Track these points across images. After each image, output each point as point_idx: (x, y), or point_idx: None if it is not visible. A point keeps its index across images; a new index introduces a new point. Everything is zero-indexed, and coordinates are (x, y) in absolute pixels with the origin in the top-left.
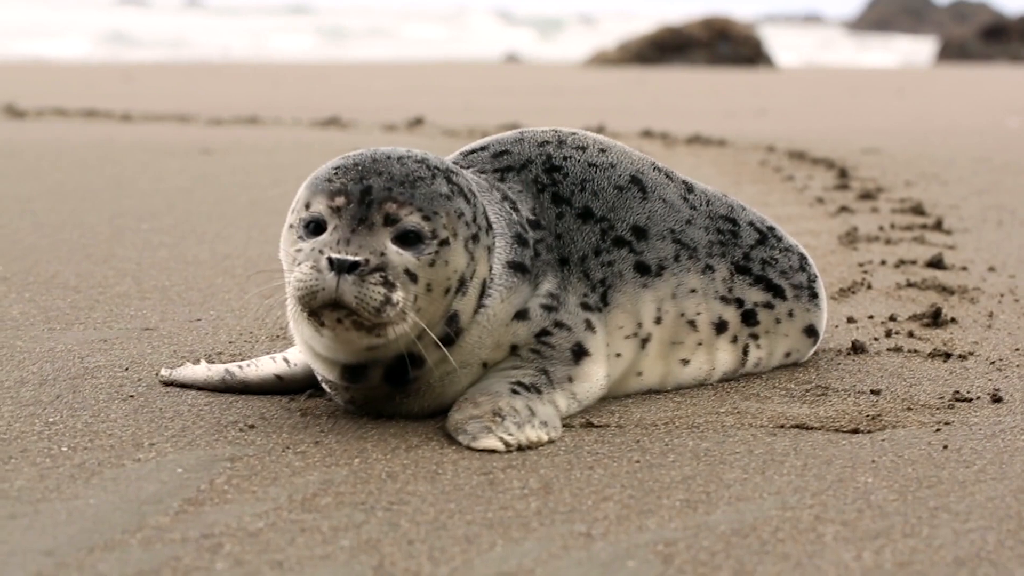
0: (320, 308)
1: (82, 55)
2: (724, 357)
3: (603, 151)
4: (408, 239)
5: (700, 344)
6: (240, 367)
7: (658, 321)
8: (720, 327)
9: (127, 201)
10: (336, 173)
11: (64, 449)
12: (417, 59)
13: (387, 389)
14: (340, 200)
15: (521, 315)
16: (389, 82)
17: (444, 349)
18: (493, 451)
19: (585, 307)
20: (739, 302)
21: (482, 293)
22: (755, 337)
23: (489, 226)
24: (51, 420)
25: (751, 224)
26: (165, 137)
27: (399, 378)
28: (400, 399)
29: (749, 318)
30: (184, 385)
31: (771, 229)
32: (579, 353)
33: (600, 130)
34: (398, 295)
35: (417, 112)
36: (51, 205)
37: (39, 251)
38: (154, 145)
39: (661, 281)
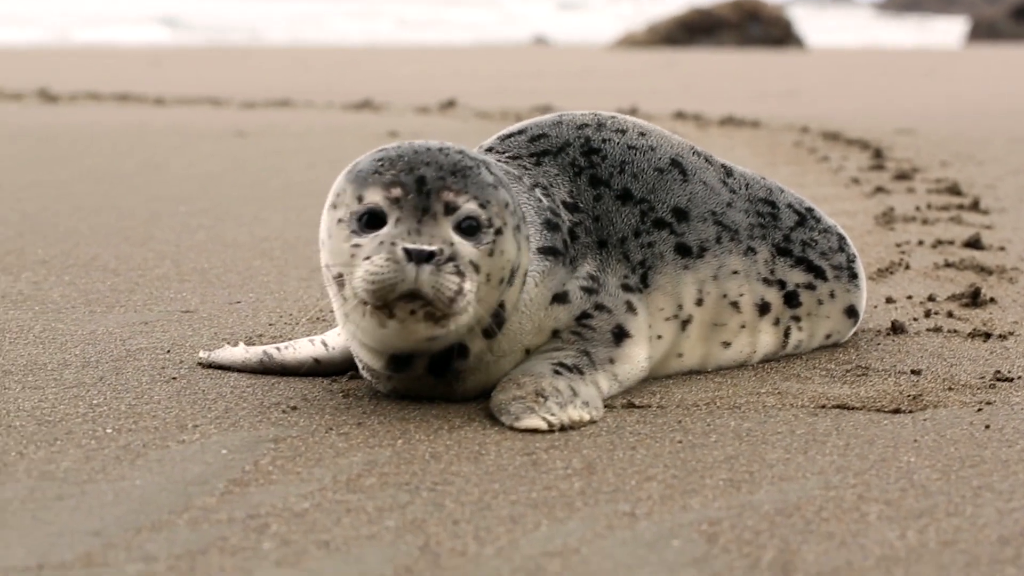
0: (396, 300)
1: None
2: (766, 339)
3: (643, 134)
4: (467, 229)
5: (743, 326)
6: (278, 349)
7: (699, 303)
8: (763, 308)
9: (163, 184)
10: (383, 165)
11: (109, 431)
12: (446, 42)
13: (431, 380)
14: (397, 191)
15: (560, 298)
16: (419, 65)
17: (487, 340)
18: (536, 431)
19: (626, 288)
20: (781, 284)
21: (524, 283)
22: (797, 319)
23: (524, 216)
24: (95, 402)
25: (790, 206)
26: (198, 121)
27: (443, 368)
28: (444, 386)
29: (791, 300)
30: (223, 367)
31: (809, 210)
32: (620, 335)
33: (633, 112)
34: (468, 285)
35: (449, 95)
36: (88, 188)
37: (78, 234)
38: (188, 129)
39: (702, 263)
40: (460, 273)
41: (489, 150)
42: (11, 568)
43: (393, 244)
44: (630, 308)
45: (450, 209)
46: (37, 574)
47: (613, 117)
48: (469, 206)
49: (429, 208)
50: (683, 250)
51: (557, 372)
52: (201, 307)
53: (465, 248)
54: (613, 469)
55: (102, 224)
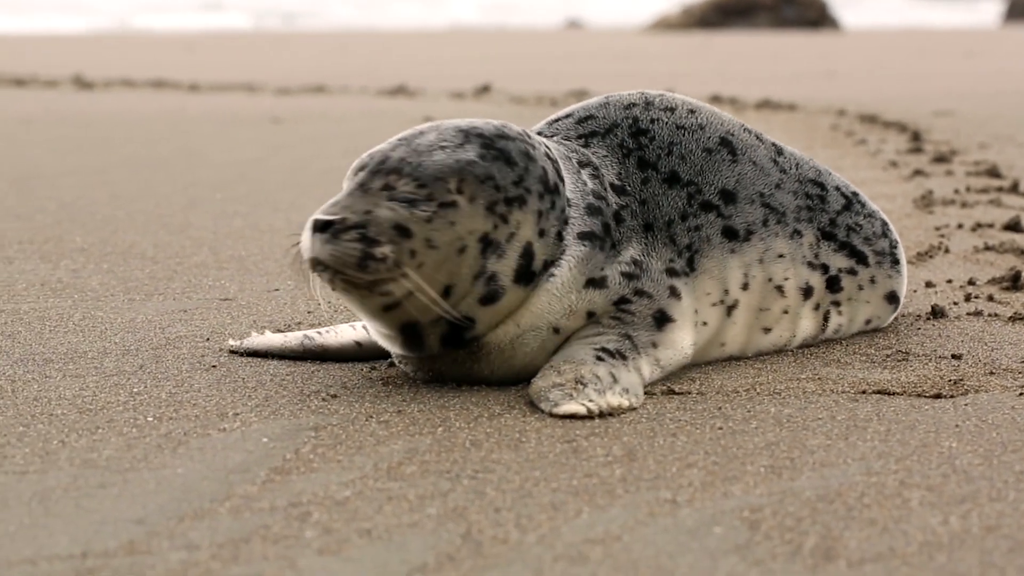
0: (312, 270)
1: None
2: (806, 324)
3: (692, 112)
4: (404, 200)
5: (786, 312)
6: (320, 333)
7: (745, 287)
8: (807, 292)
9: (200, 171)
10: (376, 148)
11: (150, 419)
12: (480, 25)
13: (451, 354)
14: (357, 171)
15: (596, 283)
16: (453, 49)
17: (487, 307)
18: (574, 416)
19: (671, 273)
20: (824, 268)
21: (531, 257)
22: (837, 304)
23: (550, 191)
24: (135, 390)
25: (837, 188)
26: (234, 107)
27: (457, 341)
28: (470, 363)
29: (833, 284)
30: (259, 353)
31: (855, 194)
32: (662, 319)
33: None
34: (382, 250)
35: (484, 79)
36: (125, 176)
37: (116, 221)
38: (223, 115)
39: (749, 246)
40: (368, 240)
41: (538, 134)
42: (55, 556)
43: (312, 217)
44: (673, 293)
45: (387, 187)
46: (81, 562)
47: (661, 95)
48: (405, 188)
49: (366, 184)
50: (730, 233)
51: (599, 358)
52: (239, 295)
53: (386, 213)
54: (654, 456)
55: (139, 211)
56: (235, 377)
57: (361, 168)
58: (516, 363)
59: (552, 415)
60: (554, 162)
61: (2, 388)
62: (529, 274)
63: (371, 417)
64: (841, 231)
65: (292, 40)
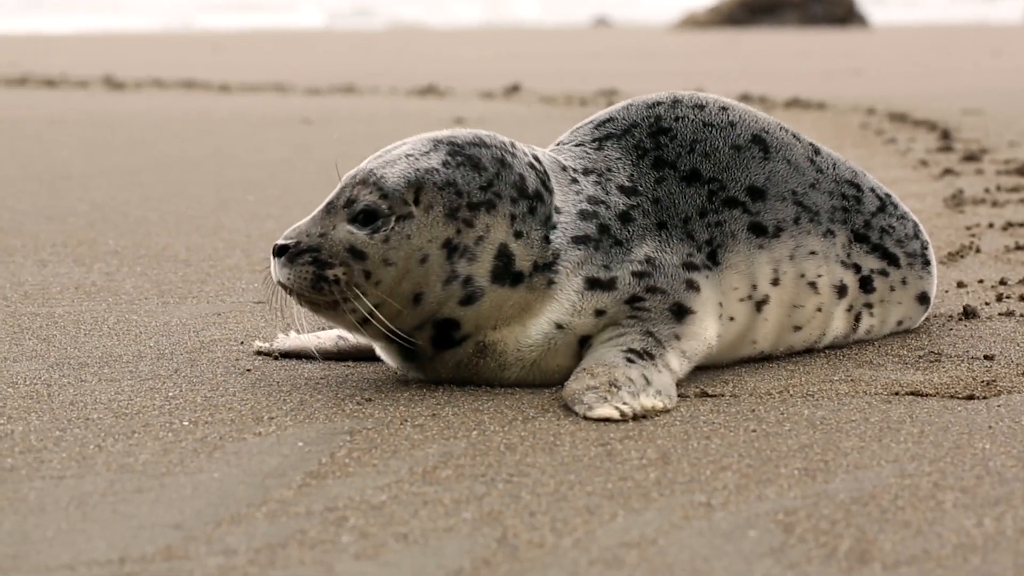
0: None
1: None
2: (838, 324)
3: (724, 109)
4: (363, 219)
5: (820, 309)
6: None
7: (776, 283)
8: (841, 291)
9: (231, 172)
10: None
11: (185, 423)
12: (508, 24)
13: (445, 354)
14: (337, 186)
15: (601, 283)
16: (482, 49)
17: (466, 308)
18: (609, 420)
19: (689, 267)
20: (857, 268)
21: (508, 258)
22: (869, 306)
23: (528, 197)
24: (171, 395)
25: (872, 190)
26: (263, 107)
27: (447, 341)
28: (476, 363)
29: (866, 284)
30: (292, 355)
31: (888, 196)
32: (681, 312)
33: None
34: (334, 272)
35: (513, 79)
36: (157, 177)
37: (148, 223)
38: (253, 115)
39: (778, 243)
40: (320, 263)
41: (559, 143)
42: (93, 561)
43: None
44: (691, 286)
45: (349, 202)
46: (119, 567)
47: (693, 94)
48: (368, 198)
49: (333, 202)
50: (757, 229)
51: (629, 360)
52: (273, 298)
53: (346, 236)
54: (688, 459)
55: (172, 213)
56: (270, 381)
57: (341, 182)
58: (527, 361)
59: (586, 418)
60: (539, 171)
61: (38, 392)
62: (513, 274)
63: (405, 421)
64: (875, 233)
65: (318, 39)
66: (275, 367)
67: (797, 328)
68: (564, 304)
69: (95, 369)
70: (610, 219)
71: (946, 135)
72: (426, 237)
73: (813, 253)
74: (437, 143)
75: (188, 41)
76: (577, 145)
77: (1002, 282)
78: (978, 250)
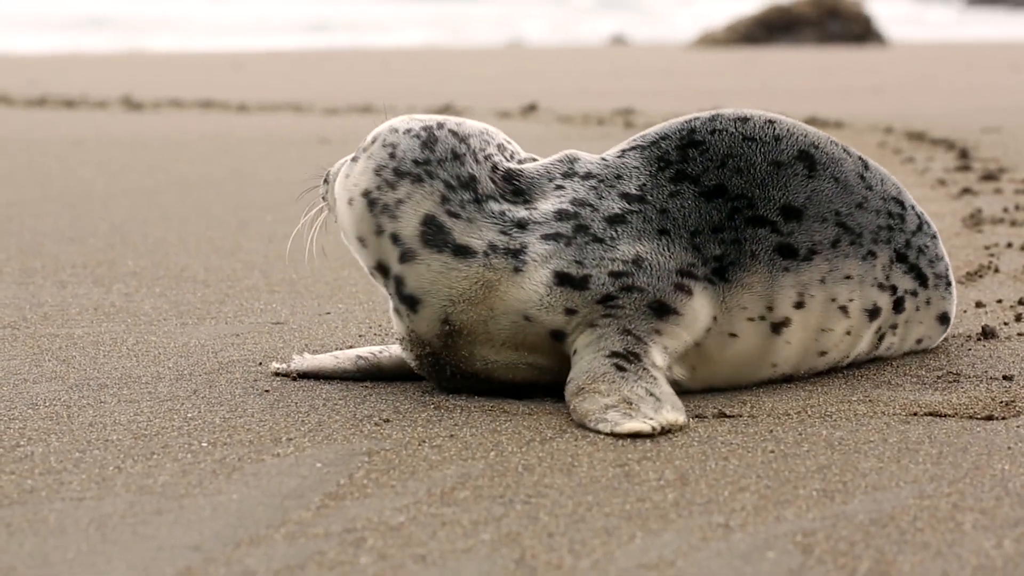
0: None
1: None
2: (863, 345)
3: (771, 123)
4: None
5: (849, 333)
6: (373, 353)
7: (800, 306)
8: (873, 314)
9: (250, 192)
10: None
11: (204, 445)
12: (525, 43)
13: (419, 323)
14: None
15: (571, 280)
16: (498, 67)
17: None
18: (639, 434)
19: (686, 275)
20: (893, 289)
21: (438, 228)
22: (894, 326)
23: (466, 188)
24: (189, 415)
25: (913, 208)
26: (282, 127)
27: (408, 302)
28: (452, 342)
29: (898, 305)
30: (310, 375)
31: (922, 214)
32: (662, 310)
33: None
34: (319, 188)
35: (530, 98)
36: (176, 197)
37: (167, 244)
38: (272, 135)
39: (809, 266)
40: (325, 179)
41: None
42: None
43: None
44: (681, 289)
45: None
46: None
47: (740, 110)
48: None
49: None
50: (786, 251)
51: (620, 368)
52: (291, 318)
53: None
54: (706, 480)
55: (191, 234)
56: (288, 402)
57: None
58: (496, 343)
59: (615, 435)
60: (498, 182)
61: (58, 414)
62: (454, 245)
63: (424, 442)
64: (913, 253)
65: (338, 58)
66: (293, 388)
67: (823, 353)
68: (531, 295)
69: (114, 390)
70: (592, 220)
71: (964, 154)
72: (352, 182)
73: (848, 277)
74: (434, 122)
75: (207, 60)
76: (606, 156)
77: (1021, 302)
78: (997, 270)
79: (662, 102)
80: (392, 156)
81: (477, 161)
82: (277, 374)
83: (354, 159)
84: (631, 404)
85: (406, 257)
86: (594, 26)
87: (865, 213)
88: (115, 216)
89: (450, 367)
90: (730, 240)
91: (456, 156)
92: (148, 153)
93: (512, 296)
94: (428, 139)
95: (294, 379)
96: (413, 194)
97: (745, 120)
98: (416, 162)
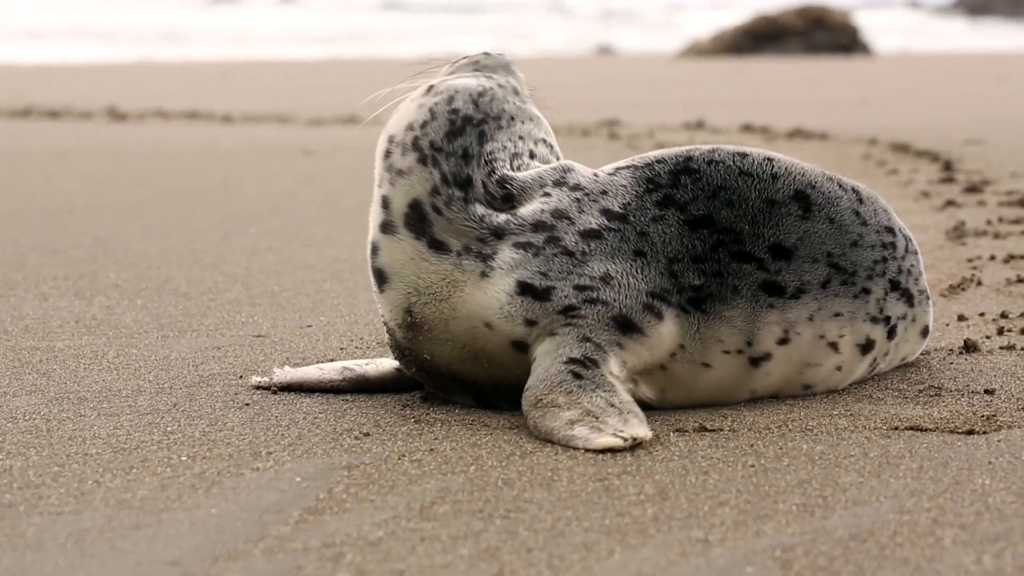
0: None
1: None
2: (857, 375)
3: (769, 160)
4: None
5: (839, 368)
6: (359, 364)
7: (784, 342)
8: (866, 348)
9: (234, 204)
10: None
11: (184, 458)
12: (511, 53)
13: (389, 300)
14: None
15: (534, 291)
16: None
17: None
18: (612, 449)
19: (657, 297)
20: (887, 320)
21: (421, 214)
22: (886, 353)
23: (457, 186)
24: (169, 429)
25: (901, 230)
26: (267, 138)
27: (379, 278)
28: (415, 335)
29: (891, 333)
30: (293, 387)
31: (906, 233)
32: (627, 326)
33: (700, 125)
34: None
35: None
36: (159, 209)
37: (149, 257)
38: (257, 147)
39: (797, 303)
40: None
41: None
42: None
43: None
44: (650, 310)
45: None
46: None
47: (741, 147)
48: None
49: None
50: (772, 288)
51: (576, 375)
52: (272, 331)
53: None
54: (686, 494)
55: (173, 246)
56: (268, 415)
57: None
58: (457, 343)
59: (587, 450)
60: (492, 190)
61: (37, 427)
62: (431, 238)
63: (403, 456)
64: (904, 277)
65: (322, 68)
66: (273, 401)
67: (807, 387)
68: (492, 301)
69: (94, 404)
70: (566, 232)
71: (948, 166)
72: (394, 120)
73: (838, 315)
74: (480, 109)
75: (194, 70)
76: (595, 172)
77: (1003, 315)
78: (979, 283)
79: (647, 113)
80: (422, 125)
81: (485, 161)
82: (258, 387)
83: (476, 65)
84: (597, 417)
85: (386, 228)
86: (582, 36)
87: (860, 250)
88: (98, 228)
89: (415, 363)
90: (711, 272)
91: (465, 155)
92: (132, 164)
93: (475, 300)
94: (454, 129)
95: (275, 392)
96: (413, 170)
97: (744, 155)
98: (432, 144)
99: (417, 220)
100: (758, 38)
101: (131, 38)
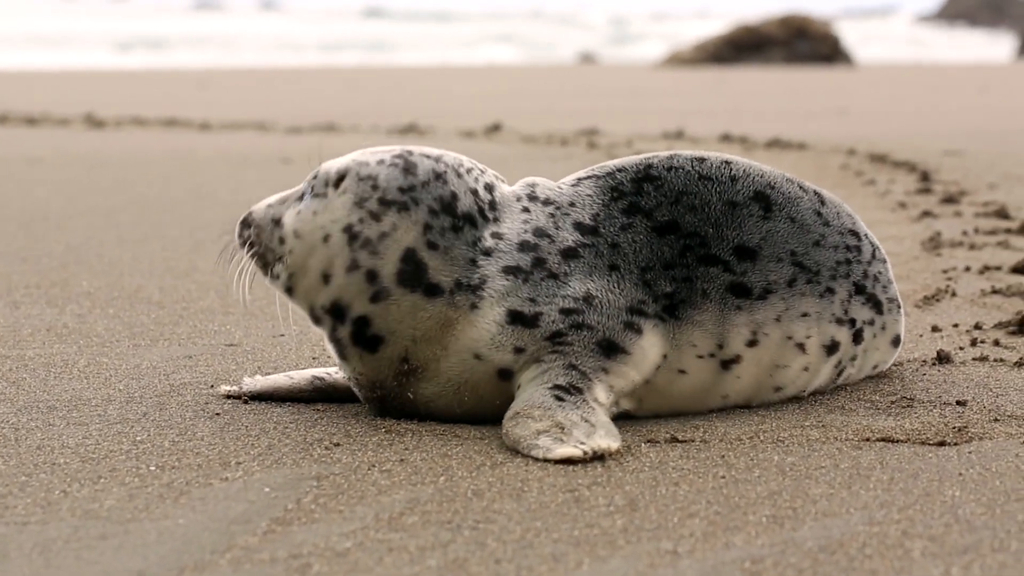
0: None
1: (159, 61)
2: (822, 379)
3: (727, 163)
4: (300, 198)
5: (807, 369)
6: (329, 373)
7: (753, 344)
8: (831, 349)
9: (208, 213)
10: None
11: (152, 468)
12: (491, 62)
13: (375, 360)
14: None
15: (523, 319)
16: (465, 87)
17: (373, 305)
18: (571, 460)
19: (636, 312)
20: (852, 322)
21: (417, 265)
22: (854, 358)
23: (450, 214)
24: (138, 439)
25: (867, 236)
26: (244, 146)
27: (364, 341)
28: (405, 378)
29: (857, 337)
30: (263, 396)
31: (873, 240)
32: (611, 349)
33: (679, 135)
34: (251, 232)
35: (495, 118)
36: (134, 217)
37: (122, 265)
38: (234, 155)
39: (764, 304)
40: (245, 223)
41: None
42: None
43: None
44: (631, 328)
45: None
46: None
47: (697, 151)
48: (310, 181)
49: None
50: (739, 290)
51: (559, 398)
52: (245, 340)
53: (275, 208)
54: (656, 505)
55: (146, 255)
56: (238, 425)
57: None
58: (442, 381)
59: (546, 460)
60: (480, 198)
61: (5, 437)
62: (427, 284)
63: (373, 466)
64: (870, 282)
65: (302, 76)
66: (244, 411)
67: (778, 388)
68: (483, 333)
69: (63, 413)
70: (550, 253)
71: (926, 177)
72: (330, 217)
73: (805, 315)
74: (402, 150)
75: (173, 78)
76: (562, 184)
77: (977, 327)
78: (954, 294)
79: (627, 122)
80: (375, 187)
81: (459, 175)
82: (228, 396)
83: (318, 195)
84: (563, 429)
85: (379, 297)
86: (563, 44)
87: (823, 250)
88: (71, 237)
89: (395, 407)
90: (681, 278)
91: (437, 176)
92: (107, 172)
93: (466, 335)
94: (407, 165)
95: (245, 402)
96: (398, 225)
97: (702, 160)
98: (401, 189)
99: (412, 271)
100: (740, 48)
101: (111, 44)
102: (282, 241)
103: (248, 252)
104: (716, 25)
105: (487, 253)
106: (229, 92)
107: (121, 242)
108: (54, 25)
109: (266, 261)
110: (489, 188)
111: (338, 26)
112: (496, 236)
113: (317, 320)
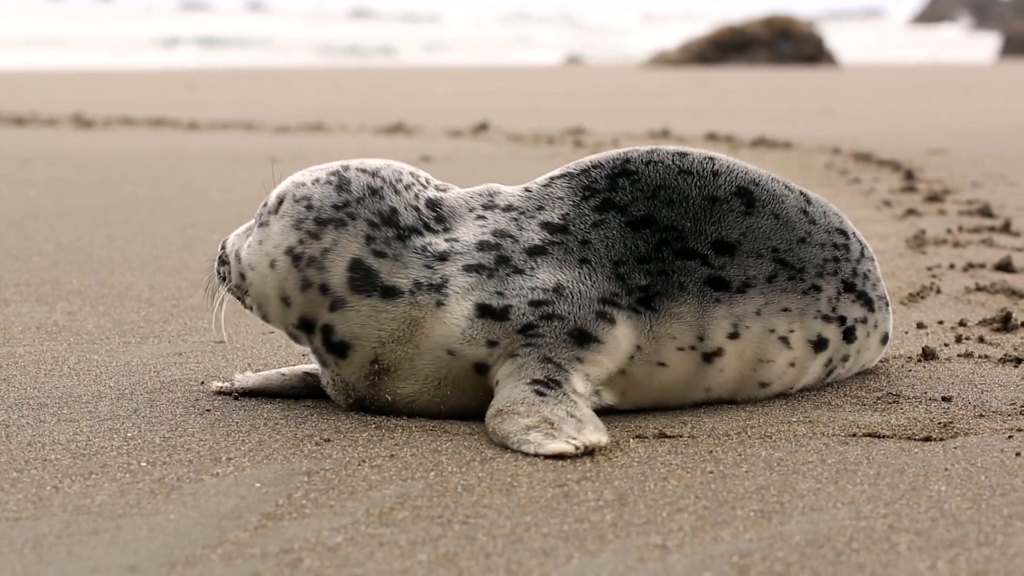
0: None
1: (147, 62)
2: (811, 376)
3: (710, 159)
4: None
5: (793, 364)
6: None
7: (735, 336)
8: (818, 345)
9: (197, 211)
10: None
11: (143, 464)
12: (479, 63)
13: (349, 365)
14: None
15: (492, 312)
16: (452, 87)
17: (336, 313)
18: (563, 456)
19: (608, 303)
20: (841, 320)
21: (366, 272)
22: (846, 357)
23: (390, 225)
24: (129, 435)
25: (855, 234)
26: (232, 145)
27: (334, 347)
28: (380, 379)
29: (848, 335)
30: (255, 393)
31: (861, 239)
32: (583, 338)
33: (664, 134)
34: (223, 269)
35: (481, 117)
36: (123, 216)
37: (112, 263)
38: (222, 154)
39: (743, 298)
40: (222, 260)
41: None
42: None
43: None
44: (604, 317)
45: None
46: None
47: (682, 147)
48: (260, 210)
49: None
50: (718, 283)
51: (540, 393)
52: (235, 337)
53: (238, 243)
54: (644, 500)
55: (136, 253)
56: (229, 421)
57: None
58: (419, 378)
59: (538, 455)
60: (423, 213)
61: None
62: (380, 287)
63: (364, 462)
64: (859, 280)
65: (290, 77)
66: (235, 407)
67: (764, 384)
68: (453, 329)
69: (54, 409)
70: (513, 251)
71: (910, 175)
72: (272, 244)
73: (786, 310)
74: (339, 166)
75: (162, 78)
76: (532, 185)
77: (961, 323)
78: (939, 291)
79: (613, 122)
80: (309, 208)
81: (397, 192)
82: (219, 393)
83: (262, 224)
84: (552, 425)
85: (336, 305)
86: (550, 45)
87: (808, 247)
88: (61, 236)
89: (375, 407)
90: (657, 271)
91: (373, 191)
92: (96, 171)
93: (436, 332)
94: (340, 182)
95: (236, 398)
96: (339, 240)
97: (684, 155)
98: (336, 207)
99: (362, 277)
100: (724, 48)
101: (99, 45)
102: (242, 276)
103: (225, 289)
104: (701, 26)
105: (443, 258)
106: (217, 92)
107: (111, 240)
108: (41, 27)
109: (238, 295)
110: (433, 204)
111: (325, 27)
112: (451, 240)
113: (295, 338)
